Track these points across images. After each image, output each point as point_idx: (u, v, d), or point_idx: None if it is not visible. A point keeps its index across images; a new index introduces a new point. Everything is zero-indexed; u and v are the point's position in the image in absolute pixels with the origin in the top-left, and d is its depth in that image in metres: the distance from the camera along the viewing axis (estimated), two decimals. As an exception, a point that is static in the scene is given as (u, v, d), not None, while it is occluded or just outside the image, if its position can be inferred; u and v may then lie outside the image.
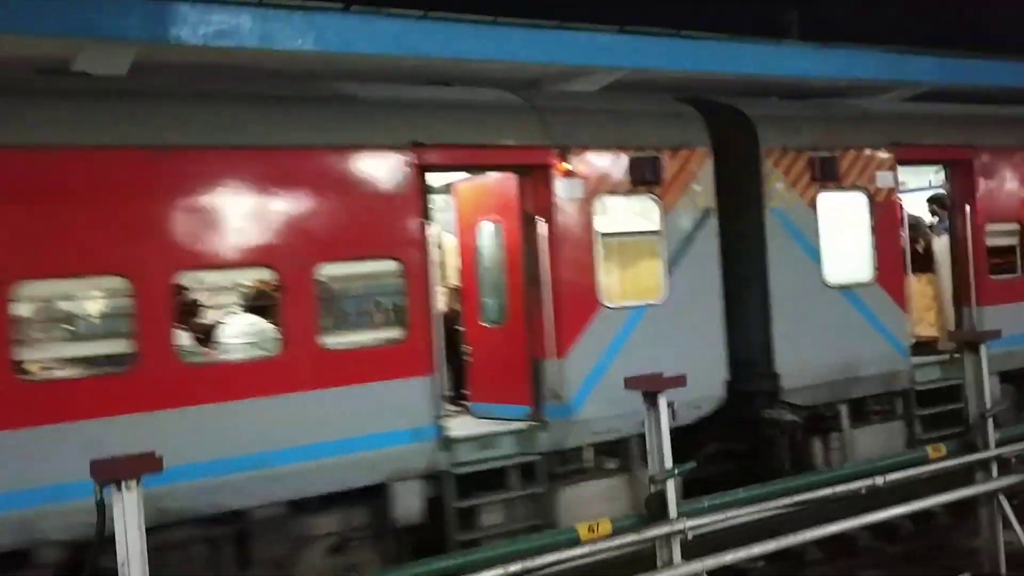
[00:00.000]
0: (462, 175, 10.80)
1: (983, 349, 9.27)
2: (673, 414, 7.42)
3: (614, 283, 10.26)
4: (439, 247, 11.45)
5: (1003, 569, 9.17)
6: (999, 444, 9.27)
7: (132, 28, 9.56)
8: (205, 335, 8.88)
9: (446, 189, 11.27)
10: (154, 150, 8.08)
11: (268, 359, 8.50)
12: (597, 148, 10.16)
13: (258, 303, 8.86)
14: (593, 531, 6.93)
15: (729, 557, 7.46)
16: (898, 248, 12.31)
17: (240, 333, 8.65)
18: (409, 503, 9.00)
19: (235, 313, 8.87)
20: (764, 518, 7.98)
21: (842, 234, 11.88)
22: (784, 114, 12.09)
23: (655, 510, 7.14)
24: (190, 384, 8.11)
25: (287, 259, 8.50)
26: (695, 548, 7.31)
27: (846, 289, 11.78)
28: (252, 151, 8.48)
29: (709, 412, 10.73)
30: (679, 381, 7.32)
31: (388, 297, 9.16)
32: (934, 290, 13.34)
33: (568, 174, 9.96)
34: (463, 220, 10.98)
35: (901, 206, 12.55)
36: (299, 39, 10.50)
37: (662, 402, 7.19)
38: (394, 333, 9.08)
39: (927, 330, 13.26)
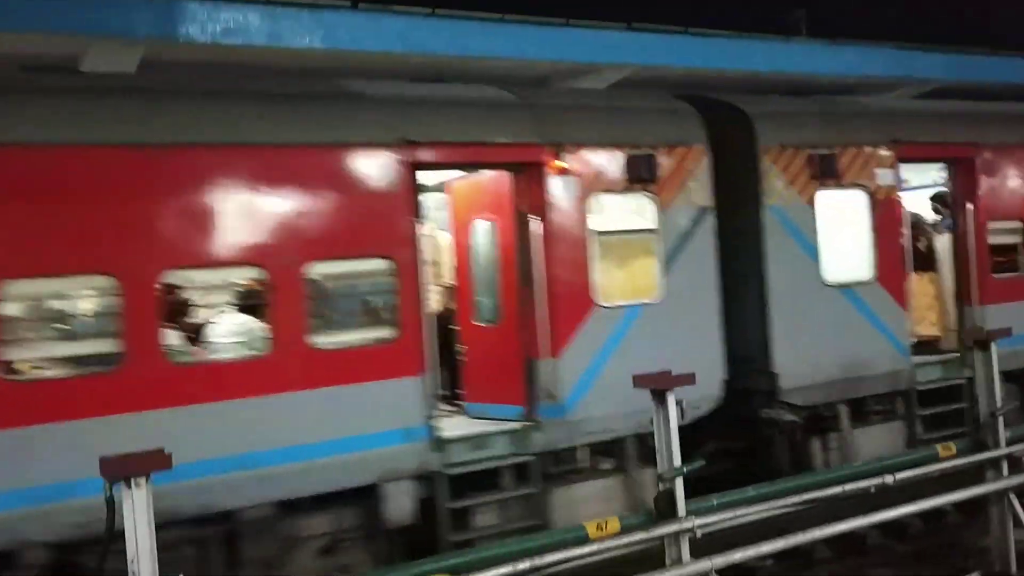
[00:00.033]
0: (457, 173, 10.71)
1: (993, 347, 9.18)
2: (682, 412, 7.38)
3: (609, 282, 10.16)
4: (435, 245, 11.41)
5: (1013, 568, 9.11)
6: (1009, 443, 9.19)
7: (140, 26, 9.57)
8: (195, 334, 8.83)
9: (441, 187, 11.19)
10: (142, 148, 8.03)
11: (257, 359, 8.43)
12: (592, 145, 10.08)
13: (248, 302, 8.79)
14: (602, 529, 6.90)
15: (738, 555, 7.41)
16: (899, 246, 12.19)
17: (229, 333, 8.60)
18: (400, 504, 8.93)
19: (225, 312, 8.80)
20: (773, 516, 7.92)
21: (842, 232, 11.77)
22: (782, 111, 11.98)
23: (664, 508, 7.12)
24: (178, 384, 8.05)
25: (276, 258, 8.43)
26: (703, 546, 7.28)
27: (846, 288, 11.67)
28: (241, 149, 8.42)
29: (707, 412, 10.62)
30: (687, 379, 7.29)
31: (379, 296, 9.09)
32: (936, 289, 13.21)
33: (562, 172, 9.87)
34: (457, 218, 10.90)
35: (902, 204, 12.42)
36: (307, 37, 10.49)
37: (670, 400, 7.16)
38: (385, 332, 9.01)
39: (929, 329, 13.13)
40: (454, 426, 9.93)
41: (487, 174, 10.31)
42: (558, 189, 9.87)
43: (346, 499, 8.79)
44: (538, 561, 6.54)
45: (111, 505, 5.11)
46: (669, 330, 10.35)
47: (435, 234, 11.45)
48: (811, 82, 14.12)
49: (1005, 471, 9.15)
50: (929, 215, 13.85)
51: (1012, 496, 9.12)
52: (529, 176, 9.87)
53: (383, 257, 8.95)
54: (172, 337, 8.47)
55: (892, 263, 12.05)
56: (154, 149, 8.08)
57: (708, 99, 11.57)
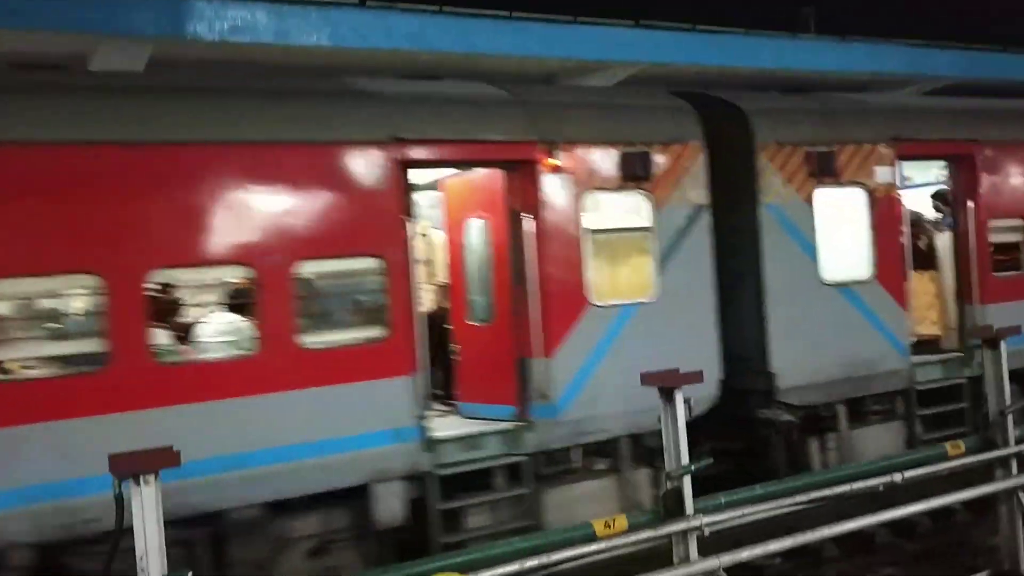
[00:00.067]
0: (450, 171, 10.62)
1: (1003, 346, 9.10)
2: (689, 410, 7.33)
3: (603, 281, 10.06)
4: (429, 244, 11.34)
5: (1023, 566, 9.03)
6: (1019, 441, 9.09)
7: (148, 24, 9.62)
8: (184, 334, 8.76)
9: (435, 185, 11.10)
10: (127, 146, 7.96)
11: (245, 359, 8.36)
12: (585, 143, 9.98)
13: (236, 301, 8.72)
14: (609, 527, 6.86)
15: (746, 554, 7.37)
16: (898, 245, 12.07)
17: (217, 332, 8.52)
18: (390, 505, 8.86)
19: (213, 312, 8.73)
20: (781, 515, 7.89)
21: (840, 231, 11.65)
22: (780, 108, 11.87)
23: (672, 506, 7.08)
24: (165, 384, 7.98)
25: (264, 257, 8.36)
26: (711, 545, 7.25)
27: (844, 287, 11.55)
28: (228, 147, 8.35)
29: (702, 412, 10.49)
30: (695, 377, 7.26)
31: (369, 295, 9.00)
32: (937, 288, 13.09)
33: (555, 170, 9.78)
34: (451, 217, 10.82)
35: (901, 202, 12.30)
36: (314, 35, 10.52)
37: (678, 398, 7.12)
38: (375, 332, 8.92)
39: (929, 328, 13.02)
40: (446, 426, 9.85)
41: (481, 172, 10.22)
42: (551, 187, 9.77)
43: (336, 500, 8.71)
44: (545, 559, 6.53)
45: (119, 502, 5.12)
46: (664, 329, 10.25)
47: (429, 232, 11.37)
48: (821, 79, 14.08)
49: (1014, 469, 9.06)
50: (931, 213, 13.74)
51: (1021, 494, 9.04)
52: (522, 174, 9.78)
53: (373, 256, 8.87)
54: (162, 336, 8.41)
55: (891, 262, 11.93)
56: (141, 147, 8.01)
57: (705, 96, 11.47)
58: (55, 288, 7.85)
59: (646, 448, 10.36)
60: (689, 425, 10.14)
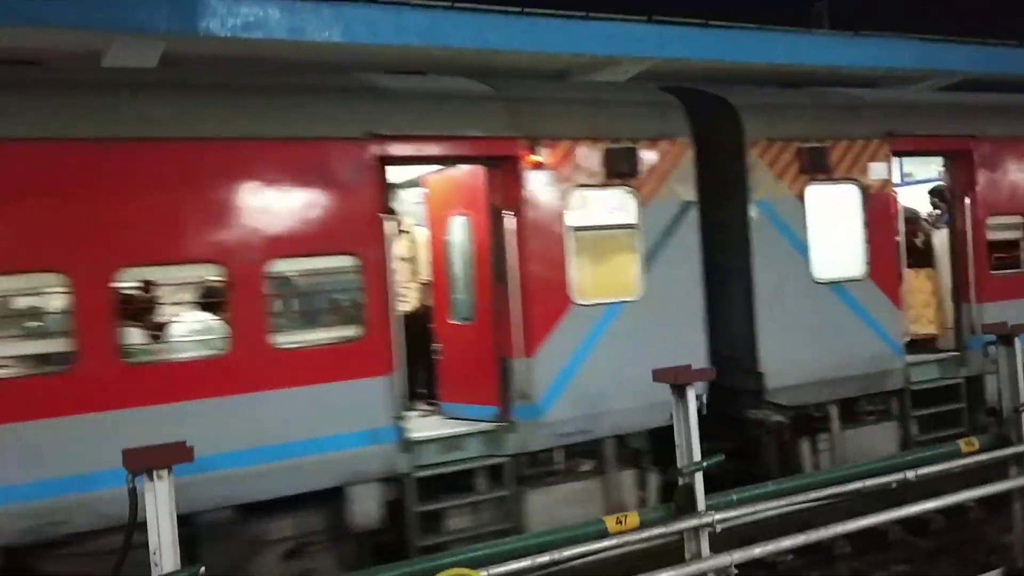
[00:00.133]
0: (433, 167, 10.45)
1: (1017, 342, 8.95)
2: (702, 406, 7.27)
3: (587, 279, 9.88)
4: (412, 241, 11.19)
5: (1036, 563, 8.94)
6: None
7: (161, 20, 9.62)
8: (158, 333, 8.63)
9: (416, 182, 10.94)
10: (95, 143, 7.82)
11: (217, 358, 8.22)
12: (569, 139, 9.79)
13: (209, 300, 8.58)
14: (621, 523, 6.83)
15: (758, 550, 7.34)
16: (892, 242, 11.84)
17: (188, 332, 8.38)
18: (366, 507, 8.73)
19: (185, 311, 8.59)
20: (793, 511, 7.81)
21: (833, 228, 11.43)
22: (771, 103, 11.65)
23: (683, 503, 7.05)
24: (133, 384, 7.85)
25: (236, 255, 8.22)
26: (723, 542, 7.21)
27: (836, 285, 11.34)
28: (198, 143, 8.19)
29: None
30: (708, 373, 7.27)
31: (345, 294, 8.85)
32: (934, 286, 12.86)
33: (537, 166, 9.60)
34: (433, 214, 10.66)
35: (896, 199, 12.07)
36: (327, 31, 10.49)
37: (690, 394, 7.06)
38: (351, 331, 8.77)
39: (926, 327, 12.77)
40: (427, 427, 9.71)
41: (463, 168, 10.05)
42: (533, 184, 9.60)
43: (311, 502, 8.58)
44: (557, 555, 6.50)
45: (133, 497, 5.11)
46: (650, 329, 10.07)
47: (412, 230, 11.22)
48: (834, 74, 13.94)
49: (1029, 467, 8.92)
50: (929, 209, 13.51)
51: (1034, 491, 8.90)
52: (504, 170, 9.61)
53: (349, 254, 8.71)
54: (135, 336, 8.28)
55: (885, 259, 11.70)
56: (109, 144, 7.87)
57: (694, 91, 11.27)
58: (20, 287, 7.72)
59: (631, 449, 10.22)
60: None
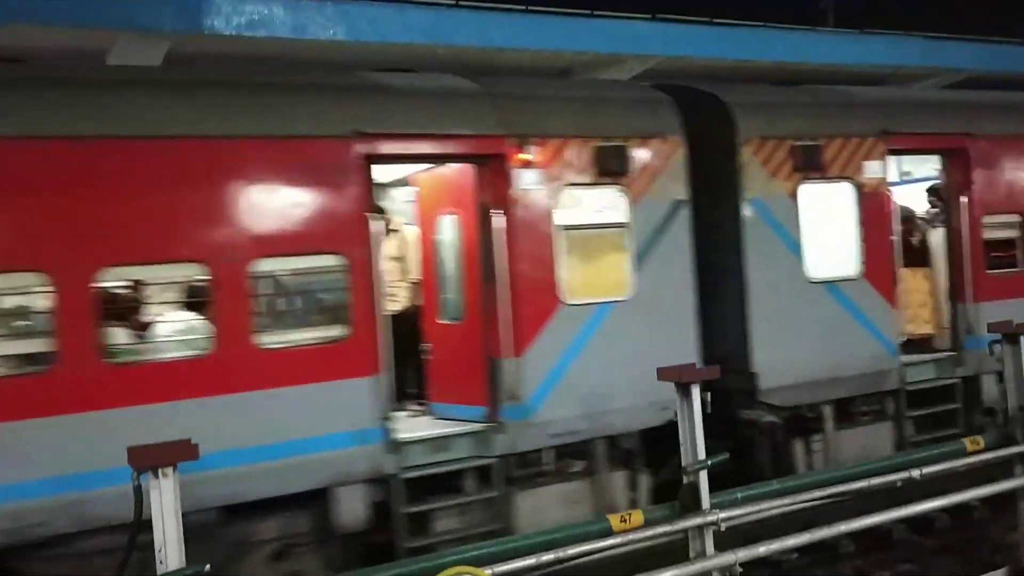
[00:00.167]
0: (422, 165, 10.38)
1: (1023, 341, 8.83)
2: (707, 405, 7.25)
3: (576, 279, 9.80)
4: (402, 240, 11.12)
5: (1041, 562, 8.88)
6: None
7: (166, 19, 9.64)
8: (143, 332, 8.56)
9: (405, 181, 10.87)
10: (75, 140, 7.75)
11: (200, 359, 8.15)
12: (558, 137, 9.71)
13: (193, 300, 8.50)
14: (625, 522, 6.78)
15: (763, 549, 7.27)
16: (887, 241, 11.74)
17: (172, 332, 8.31)
18: (352, 508, 8.65)
19: (168, 311, 8.52)
20: (798, 510, 7.75)
21: (827, 227, 11.35)
22: (764, 101, 11.55)
23: (688, 501, 6.99)
24: (115, 385, 7.79)
25: (220, 254, 8.14)
26: (727, 540, 7.14)
27: (830, 284, 11.25)
28: (182, 141, 8.12)
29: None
30: (713, 372, 7.19)
31: (330, 294, 8.78)
32: (930, 285, 12.76)
33: (526, 164, 9.52)
34: (423, 212, 10.58)
35: (891, 197, 11.97)
36: (331, 29, 10.50)
37: (695, 392, 7.00)
38: (337, 331, 8.70)
39: (922, 327, 12.68)
40: (416, 427, 9.64)
41: (453, 167, 9.97)
42: (522, 182, 9.52)
43: (297, 503, 8.50)
44: (561, 553, 6.46)
45: (138, 494, 5.11)
46: (640, 329, 10.00)
47: (402, 229, 11.14)
48: (838, 72, 13.88)
49: (1033, 466, 8.84)
50: (927, 208, 13.40)
51: (1041, 491, 8.83)
52: (492, 169, 9.53)
53: (334, 253, 8.64)
54: (120, 336, 8.22)
55: (880, 259, 11.60)
56: (91, 142, 7.80)
57: (687, 89, 11.19)
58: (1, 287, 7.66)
59: (622, 450, 10.14)
60: (673, 425, 10.02)
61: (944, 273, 12.56)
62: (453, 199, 9.98)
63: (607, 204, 10.05)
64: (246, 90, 8.71)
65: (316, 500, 8.57)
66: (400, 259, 10.95)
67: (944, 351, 12.43)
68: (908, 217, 12.90)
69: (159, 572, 5.09)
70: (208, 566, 5.16)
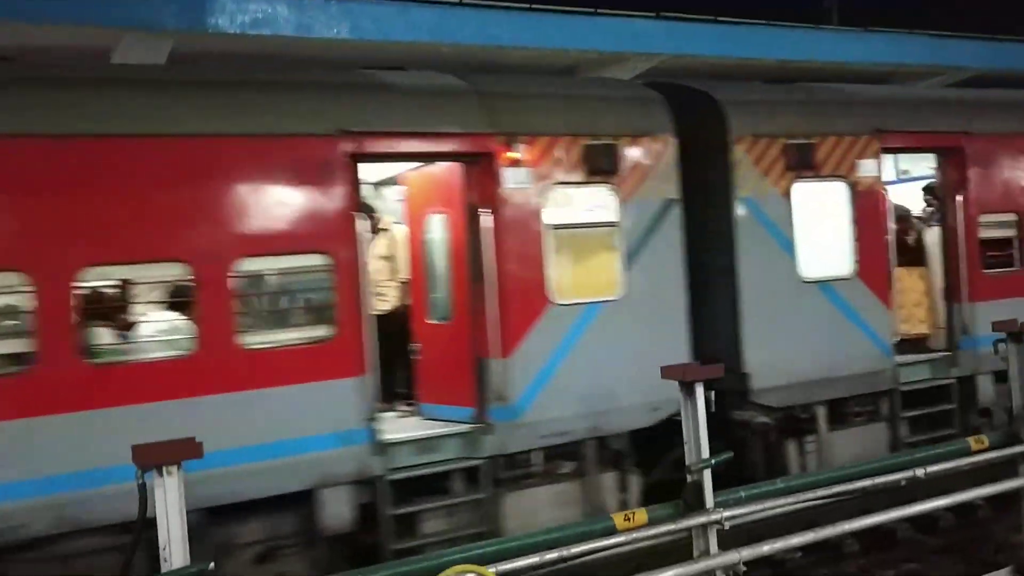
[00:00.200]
0: (411, 164, 10.30)
1: None
2: (711, 404, 7.23)
3: (565, 278, 9.71)
4: (391, 239, 11.04)
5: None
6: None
7: (170, 17, 9.64)
8: (127, 333, 8.49)
9: (394, 180, 10.79)
10: (56, 138, 7.68)
11: (183, 359, 8.08)
12: (547, 135, 9.62)
13: (176, 300, 8.43)
14: (629, 520, 6.75)
15: (766, 548, 7.24)
16: (882, 240, 11.65)
17: (154, 332, 8.23)
18: (338, 510, 8.57)
19: (151, 311, 8.44)
20: (802, 509, 7.74)
21: (820, 226, 11.25)
22: (757, 99, 11.45)
23: (692, 500, 6.95)
24: (95, 386, 7.71)
25: (202, 253, 8.07)
26: (731, 539, 7.11)
27: (823, 284, 11.16)
28: (166, 139, 8.05)
29: (670, 414, 10.13)
30: (716, 370, 7.16)
31: (315, 293, 8.70)
32: (926, 284, 12.67)
33: (515, 163, 9.44)
34: (412, 211, 10.50)
35: (886, 196, 11.87)
36: (335, 27, 10.46)
37: (699, 391, 6.95)
38: (322, 331, 8.62)
39: (917, 327, 12.58)
40: (404, 428, 9.56)
41: (441, 165, 9.89)
42: (510, 181, 9.44)
43: (282, 505, 8.43)
44: (565, 552, 6.42)
45: (143, 492, 5.09)
46: (630, 329, 9.92)
47: (392, 228, 11.06)
48: (842, 71, 13.82)
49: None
50: (922, 207, 13.30)
51: (1045, 490, 8.77)
52: (480, 168, 9.44)
53: (319, 252, 8.56)
54: (104, 336, 8.14)
55: (874, 258, 11.51)
56: (71, 140, 7.73)
57: (680, 87, 11.10)
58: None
59: (612, 451, 10.05)
60: (664, 425, 9.95)
61: (940, 272, 12.47)
62: (441, 198, 9.90)
63: (596, 203, 9.96)
64: (230, 88, 8.63)
65: (301, 502, 8.50)
66: (390, 258, 10.87)
67: (939, 351, 12.33)
68: (904, 216, 12.81)
69: (163, 570, 5.08)
70: (212, 564, 5.16)
